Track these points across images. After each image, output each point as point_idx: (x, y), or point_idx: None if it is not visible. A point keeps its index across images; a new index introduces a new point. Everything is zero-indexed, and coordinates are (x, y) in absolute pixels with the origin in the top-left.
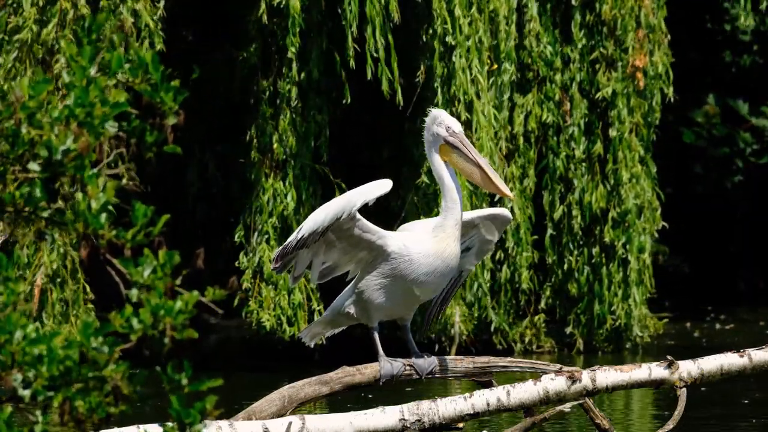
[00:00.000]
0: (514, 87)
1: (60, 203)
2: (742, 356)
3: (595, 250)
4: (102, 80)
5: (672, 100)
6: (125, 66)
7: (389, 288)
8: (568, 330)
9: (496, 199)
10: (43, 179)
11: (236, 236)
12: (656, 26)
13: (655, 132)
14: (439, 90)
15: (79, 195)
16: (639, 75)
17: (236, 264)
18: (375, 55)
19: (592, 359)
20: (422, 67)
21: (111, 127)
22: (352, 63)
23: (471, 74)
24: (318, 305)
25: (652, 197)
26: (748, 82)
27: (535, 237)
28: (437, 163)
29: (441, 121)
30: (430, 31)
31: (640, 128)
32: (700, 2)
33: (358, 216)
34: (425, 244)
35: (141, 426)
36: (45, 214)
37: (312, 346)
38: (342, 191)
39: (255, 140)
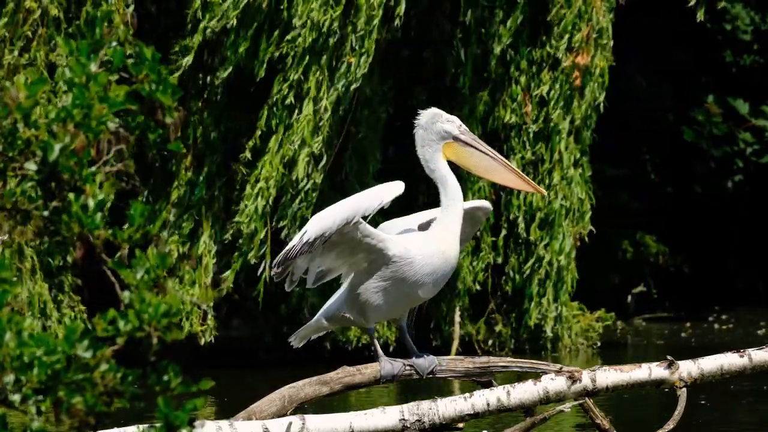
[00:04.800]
0: (476, 87)
1: (57, 202)
2: (742, 356)
3: (527, 251)
4: (103, 76)
5: (603, 108)
6: (128, 62)
7: (389, 291)
8: (498, 329)
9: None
10: (40, 179)
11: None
12: (603, 30)
13: (593, 135)
14: (285, 82)
15: (71, 195)
16: (577, 73)
17: None
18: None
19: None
20: (275, 57)
21: (111, 123)
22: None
23: (335, 66)
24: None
25: (584, 200)
26: (748, 82)
27: (494, 239)
28: (440, 161)
29: (448, 119)
30: (285, 19)
31: (581, 131)
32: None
33: (360, 219)
34: (427, 245)
35: (140, 426)
36: (45, 213)
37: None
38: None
39: (179, 133)
